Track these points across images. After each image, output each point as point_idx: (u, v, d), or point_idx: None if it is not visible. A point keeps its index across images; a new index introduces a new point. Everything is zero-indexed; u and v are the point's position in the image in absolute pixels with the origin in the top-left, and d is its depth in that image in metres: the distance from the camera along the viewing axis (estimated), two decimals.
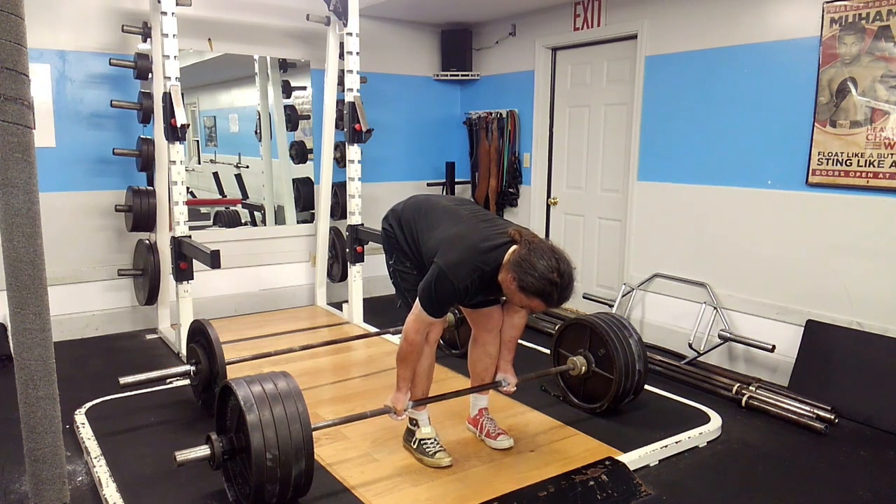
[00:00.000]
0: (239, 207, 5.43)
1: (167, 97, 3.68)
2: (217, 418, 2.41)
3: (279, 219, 5.44)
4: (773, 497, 2.55)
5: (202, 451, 2.31)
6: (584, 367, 3.14)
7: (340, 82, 4.60)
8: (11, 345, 1.64)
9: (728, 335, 3.79)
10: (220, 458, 2.30)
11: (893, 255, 3.25)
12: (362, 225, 4.57)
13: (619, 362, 2.99)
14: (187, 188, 4.01)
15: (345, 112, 4.51)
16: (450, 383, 3.48)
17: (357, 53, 4.43)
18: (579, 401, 3.23)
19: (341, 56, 4.54)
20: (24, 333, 1.57)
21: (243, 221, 5.39)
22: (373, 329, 4.27)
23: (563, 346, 3.30)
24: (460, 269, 2.33)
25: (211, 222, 5.25)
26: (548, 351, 4.13)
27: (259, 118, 5.42)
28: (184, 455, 2.29)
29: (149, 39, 4.15)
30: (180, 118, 3.63)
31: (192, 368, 3.13)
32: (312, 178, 5.25)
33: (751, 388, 3.42)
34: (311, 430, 2.23)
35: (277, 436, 2.15)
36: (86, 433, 2.89)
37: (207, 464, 2.40)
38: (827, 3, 3.38)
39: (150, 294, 4.31)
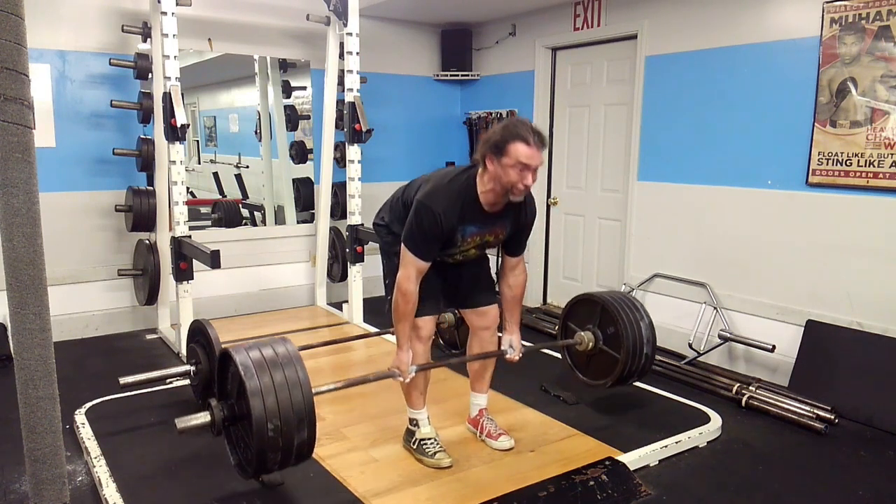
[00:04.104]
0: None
1: (167, 97, 3.68)
2: (218, 384, 2.36)
3: (279, 219, 5.44)
4: (773, 497, 2.55)
5: (202, 417, 2.27)
6: (591, 343, 3.08)
7: (340, 82, 4.60)
8: (11, 345, 1.64)
9: (728, 335, 3.79)
10: (221, 424, 2.26)
11: (893, 255, 3.25)
12: (362, 225, 4.57)
13: (628, 343, 2.93)
14: (187, 188, 4.01)
15: (345, 112, 4.51)
16: (450, 383, 3.48)
17: (357, 53, 4.43)
18: (583, 376, 3.18)
19: (341, 56, 4.54)
20: (24, 333, 1.57)
21: (243, 220, 5.37)
22: (373, 329, 4.27)
23: (571, 320, 3.23)
24: (436, 194, 2.39)
25: (210, 223, 5.24)
26: (549, 352, 4.14)
27: (259, 118, 5.42)
28: (184, 422, 2.26)
29: (149, 39, 4.15)
30: (180, 118, 3.63)
31: (192, 368, 3.13)
32: (312, 178, 5.25)
33: (751, 388, 3.42)
34: (311, 395, 2.17)
35: (278, 403, 2.09)
36: (86, 433, 2.89)
37: (207, 461, 2.40)
38: (827, 3, 3.38)
39: (150, 294, 4.31)
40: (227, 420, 2.27)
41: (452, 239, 2.46)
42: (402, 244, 2.45)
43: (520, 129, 2.29)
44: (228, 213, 5.25)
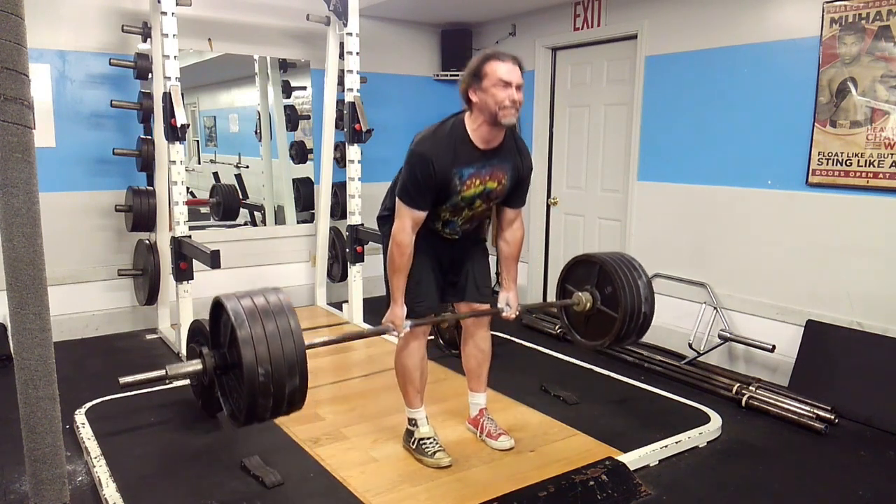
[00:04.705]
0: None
1: (167, 97, 3.68)
2: (210, 334, 2.34)
3: (279, 219, 5.44)
4: (773, 497, 2.55)
5: (194, 365, 2.26)
6: (588, 304, 3.01)
7: (340, 82, 4.60)
8: (11, 345, 1.64)
9: (728, 335, 3.79)
10: (213, 372, 2.23)
11: (893, 255, 3.25)
12: (362, 225, 4.57)
13: (626, 302, 2.87)
14: (187, 188, 4.01)
15: (345, 112, 4.51)
16: (449, 383, 3.48)
17: (357, 53, 4.43)
18: (580, 336, 3.13)
19: (341, 56, 4.54)
20: (24, 333, 1.57)
21: (242, 204, 5.37)
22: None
23: (569, 282, 3.15)
24: (426, 141, 2.40)
25: (209, 213, 5.23)
26: (549, 351, 4.14)
27: (259, 118, 5.42)
28: (175, 369, 2.25)
29: (149, 39, 4.15)
30: (180, 118, 3.63)
31: None
32: (312, 178, 5.25)
33: (751, 388, 3.42)
34: (303, 344, 2.14)
35: (269, 350, 2.06)
36: (86, 433, 2.89)
37: (207, 461, 2.39)
38: (827, 3, 3.38)
39: (150, 294, 4.31)
40: (219, 368, 2.22)
41: (450, 185, 2.42)
42: (397, 197, 2.44)
43: (492, 52, 2.37)
44: (227, 198, 5.22)
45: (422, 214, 2.44)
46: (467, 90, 2.38)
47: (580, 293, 3.04)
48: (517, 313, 2.74)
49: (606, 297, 2.98)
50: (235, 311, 2.09)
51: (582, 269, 3.11)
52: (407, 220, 2.43)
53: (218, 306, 2.21)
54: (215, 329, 2.29)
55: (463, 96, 2.41)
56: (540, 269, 5.42)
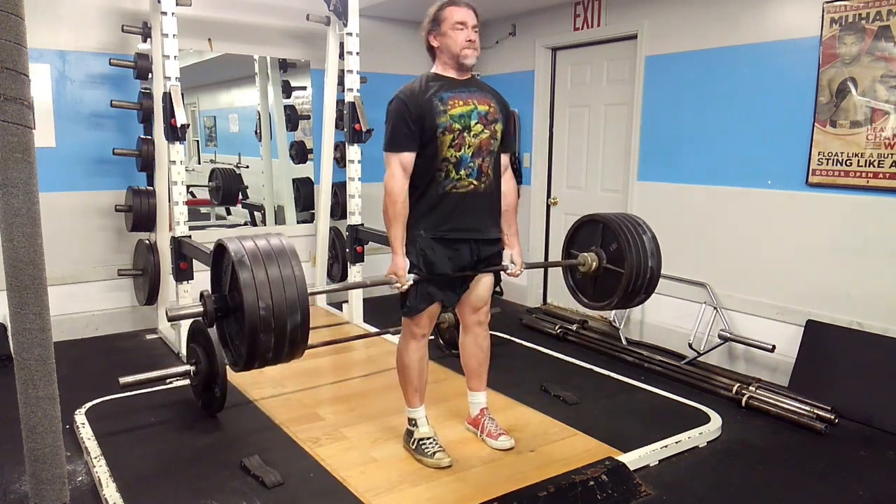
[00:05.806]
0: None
1: (167, 97, 3.68)
2: (212, 279, 2.31)
3: (279, 219, 5.44)
4: (773, 497, 2.55)
5: (196, 307, 2.25)
6: (594, 264, 2.94)
7: (340, 82, 4.60)
8: (11, 345, 1.64)
9: (728, 335, 3.79)
10: (213, 315, 2.21)
11: (893, 255, 3.25)
12: (362, 225, 4.57)
13: (632, 258, 2.80)
14: (187, 188, 4.01)
15: (345, 112, 4.51)
16: (450, 383, 3.48)
17: (357, 53, 4.42)
18: (588, 300, 3.06)
19: (341, 56, 4.54)
20: (24, 333, 1.57)
21: (241, 189, 5.37)
22: (373, 329, 4.28)
23: (574, 246, 3.09)
24: (402, 89, 2.58)
25: (210, 220, 5.24)
26: (549, 351, 4.15)
27: (259, 118, 5.42)
28: (175, 311, 2.25)
29: (149, 39, 4.15)
30: (180, 118, 3.63)
31: (192, 368, 3.13)
32: (312, 178, 5.25)
33: (751, 388, 3.42)
34: (305, 284, 2.12)
35: (271, 287, 2.05)
36: (86, 433, 2.89)
37: (207, 461, 2.38)
38: (827, 3, 3.38)
39: (150, 294, 4.31)
40: (220, 311, 2.20)
41: (432, 109, 2.49)
42: (383, 152, 2.56)
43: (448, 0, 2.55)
44: (227, 181, 5.21)
45: (409, 156, 2.54)
46: (428, 36, 2.59)
47: (585, 254, 2.97)
48: (522, 270, 2.72)
49: (612, 255, 2.90)
50: (237, 251, 2.10)
51: (586, 231, 3.05)
52: (395, 167, 2.56)
53: (220, 248, 2.21)
54: (217, 272, 2.27)
55: (425, 44, 2.63)
56: (540, 269, 5.42)
